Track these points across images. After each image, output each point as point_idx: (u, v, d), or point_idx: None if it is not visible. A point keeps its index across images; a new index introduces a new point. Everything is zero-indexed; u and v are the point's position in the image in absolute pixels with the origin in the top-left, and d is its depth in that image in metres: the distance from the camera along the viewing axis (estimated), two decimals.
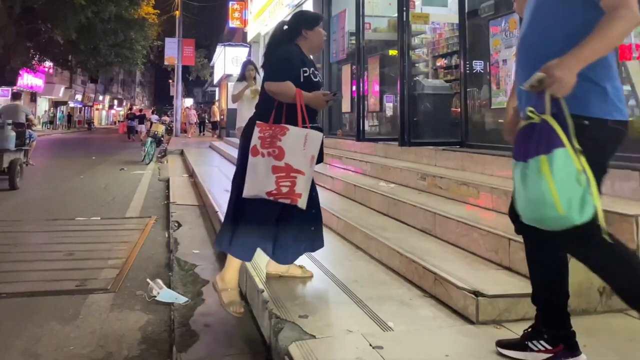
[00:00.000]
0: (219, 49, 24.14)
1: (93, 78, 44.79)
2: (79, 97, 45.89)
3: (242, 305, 2.89)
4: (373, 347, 2.24)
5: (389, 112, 8.49)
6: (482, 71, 6.01)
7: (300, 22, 3.08)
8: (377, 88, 8.60)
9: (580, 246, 1.92)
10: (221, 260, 4.29)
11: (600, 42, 1.77)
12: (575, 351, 2.07)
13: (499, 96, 5.39)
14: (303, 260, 3.45)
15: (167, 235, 5.36)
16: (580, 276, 2.67)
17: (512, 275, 2.91)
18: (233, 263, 2.94)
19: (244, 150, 2.89)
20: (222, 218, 5.04)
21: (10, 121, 8.73)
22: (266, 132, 2.78)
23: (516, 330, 2.44)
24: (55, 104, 41.83)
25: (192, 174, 9.99)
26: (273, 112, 2.85)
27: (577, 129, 1.77)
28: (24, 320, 3.14)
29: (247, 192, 2.79)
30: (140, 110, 31.34)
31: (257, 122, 2.85)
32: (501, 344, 2.22)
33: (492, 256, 3.15)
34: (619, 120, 1.88)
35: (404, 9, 6.83)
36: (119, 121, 53.65)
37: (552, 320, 2.11)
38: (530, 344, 2.11)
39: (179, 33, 28.20)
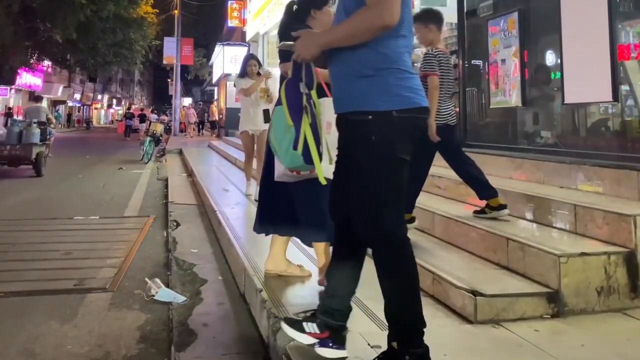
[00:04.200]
0: (218, 48, 24.11)
1: (92, 77, 44.65)
2: (77, 96, 45.79)
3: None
4: (371, 347, 2.24)
5: None
6: (480, 71, 6.01)
7: (308, 2, 3.03)
8: None
9: (380, 249, 1.98)
10: (220, 260, 4.29)
11: (341, 31, 1.91)
12: (340, 344, 2.10)
13: (498, 96, 5.39)
14: (302, 259, 3.46)
15: (165, 235, 5.35)
16: (578, 276, 2.68)
17: (510, 274, 2.91)
18: (322, 248, 2.95)
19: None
20: (220, 217, 5.05)
21: (35, 120, 10.86)
22: None
23: (515, 330, 2.45)
24: (54, 103, 41.77)
25: (190, 174, 9.98)
26: None
27: (363, 125, 1.89)
28: (22, 319, 3.14)
29: (277, 175, 2.84)
30: (142, 110, 31.30)
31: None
32: (287, 319, 2.23)
33: (490, 256, 3.15)
34: (405, 108, 1.91)
35: None
36: (117, 120, 53.63)
37: (322, 305, 2.14)
38: (304, 325, 2.12)
39: (177, 32, 28.18)
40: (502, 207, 3.52)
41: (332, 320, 2.10)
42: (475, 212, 3.63)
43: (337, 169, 2.06)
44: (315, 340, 2.09)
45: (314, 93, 2.13)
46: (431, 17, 3.76)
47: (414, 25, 3.56)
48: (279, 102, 2.06)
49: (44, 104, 13.14)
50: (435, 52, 3.66)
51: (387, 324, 2.00)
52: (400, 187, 1.96)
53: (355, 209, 1.97)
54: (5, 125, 11.07)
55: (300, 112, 1.99)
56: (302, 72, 2.07)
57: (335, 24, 2.11)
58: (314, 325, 2.10)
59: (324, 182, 1.98)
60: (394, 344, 1.96)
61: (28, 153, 10.03)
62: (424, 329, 1.96)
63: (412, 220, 3.66)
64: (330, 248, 2.93)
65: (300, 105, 2.00)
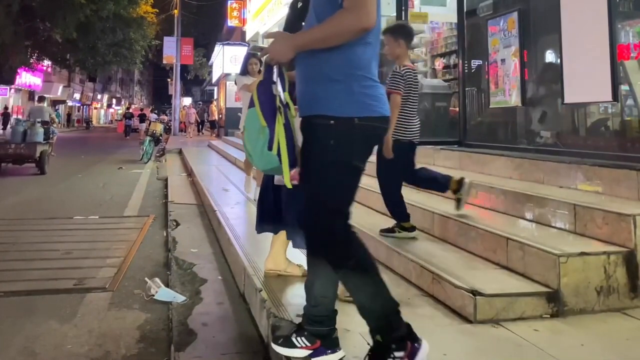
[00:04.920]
0: (218, 48, 24.12)
1: (91, 77, 44.65)
2: (77, 95, 45.78)
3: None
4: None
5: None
6: (480, 70, 6.02)
7: None
8: None
9: (324, 248, 2.04)
10: (219, 259, 4.29)
11: (319, 33, 1.92)
12: (334, 346, 2.12)
13: (498, 95, 5.39)
14: (302, 259, 3.45)
15: (165, 234, 5.35)
16: (578, 276, 2.68)
17: (510, 274, 2.92)
18: None
19: None
20: (220, 217, 5.05)
21: (39, 119, 11.20)
22: None
23: (514, 329, 2.45)
24: (54, 103, 41.75)
25: (190, 173, 9.98)
26: None
27: (325, 129, 1.93)
28: (22, 319, 3.14)
29: (277, 179, 2.92)
30: (141, 110, 31.29)
31: None
32: (276, 338, 2.23)
33: (490, 255, 3.15)
34: (367, 117, 1.95)
35: (403, 8, 6.83)
36: (116, 120, 53.61)
37: (308, 316, 2.16)
38: (294, 340, 2.14)
39: (177, 32, 28.18)
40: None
41: (322, 327, 2.13)
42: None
43: (300, 173, 2.09)
44: (309, 352, 2.11)
45: (287, 95, 2.12)
46: (402, 33, 3.77)
47: (384, 37, 3.61)
48: (251, 104, 2.02)
49: (44, 103, 13.47)
50: (403, 70, 3.68)
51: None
52: (350, 193, 2.03)
53: (305, 208, 2.05)
54: (4, 125, 11.52)
55: (274, 113, 1.97)
56: (273, 74, 2.05)
57: (306, 27, 2.11)
58: (303, 338, 2.13)
59: (289, 185, 1.97)
60: (378, 337, 2.00)
61: (32, 152, 10.38)
62: (399, 308, 2.02)
63: (413, 228, 3.68)
64: None
65: (273, 107, 1.98)
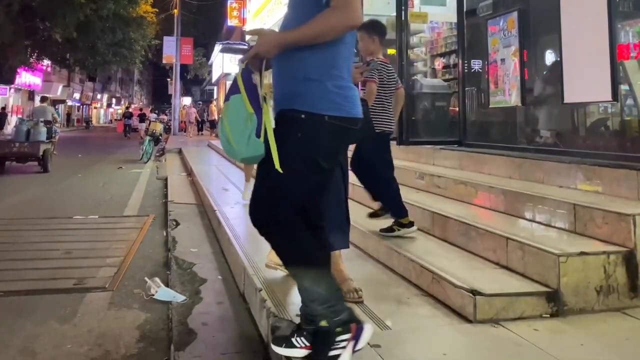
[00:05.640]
0: (217, 48, 24.12)
1: (91, 76, 44.65)
2: (77, 95, 45.75)
3: (357, 290, 2.83)
4: (371, 346, 2.24)
5: None
6: (480, 70, 6.02)
7: None
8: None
9: (268, 234, 2.10)
10: (219, 259, 4.29)
11: (307, 30, 1.96)
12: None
13: (497, 95, 5.39)
14: None
15: (165, 234, 5.35)
16: (577, 276, 2.68)
17: (509, 274, 2.92)
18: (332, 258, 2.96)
19: None
20: (220, 217, 5.05)
21: (42, 119, 11.69)
22: None
23: (514, 329, 2.45)
24: (53, 103, 41.71)
25: (190, 173, 9.98)
26: None
27: (295, 122, 1.99)
28: (21, 318, 3.14)
29: None
30: (141, 109, 31.28)
31: None
32: (276, 339, 2.24)
33: (489, 255, 3.15)
34: (337, 116, 2.00)
35: (403, 7, 6.83)
36: (116, 120, 53.59)
37: (305, 315, 2.17)
38: (294, 341, 2.16)
39: (177, 32, 28.17)
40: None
41: (315, 326, 2.12)
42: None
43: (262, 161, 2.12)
44: (309, 352, 2.12)
45: (266, 86, 2.16)
46: (376, 29, 3.83)
47: (358, 34, 3.65)
48: (234, 92, 2.02)
49: (47, 103, 13.78)
50: (377, 62, 3.73)
51: (356, 318, 2.10)
52: (306, 188, 2.08)
53: (257, 191, 2.09)
54: (1, 125, 12.02)
55: (259, 101, 2.00)
56: (257, 66, 2.07)
57: (283, 27, 2.14)
58: (302, 338, 2.13)
59: (279, 169, 1.97)
60: (323, 323, 2.03)
61: (36, 150, 10.71)
62: (339, 293, 2.10)
63: (412, 224, 3.68)
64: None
65: (257, 95, 2.01)
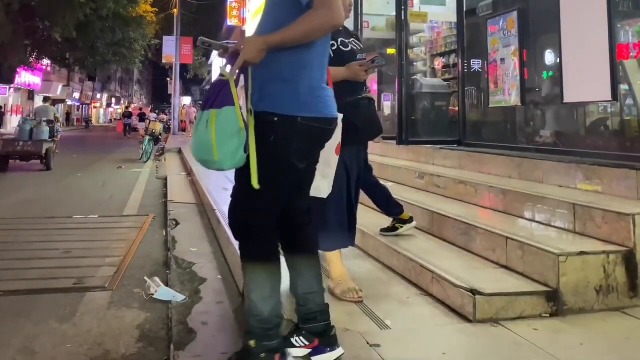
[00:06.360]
0: None
1: (91, 76, 44.65)
2: (76, 95, 45.74)
3: (357, 290, 2.84)
4: (371, 346, 2.24)
5: (387, 111, 8.49)
6: (480, 70, 6.01)
7: None
8: (375, 87, 8.59)
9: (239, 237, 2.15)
10: (219, 258, 4.29)
11: (292, 31, 1.98)
12: (333, 344, 2.15)
13: (497, 95, 5.39)
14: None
15: (164, 234, 5.35)
16: (577, 275, 2.68)
17: (509, 273, 2.92)
18: (330, 257, 2.96)
19: None
20: (220, 216, 5.04)
21: (44, 119, 12.07)
22: None
23: (513, 329, 2.45)
24: (53, 102, 41.67)
25: (190, 173, 9.98)
26: None
27: (268, 124, 2.00)
28: (21, 318, 3.14)
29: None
30: (141, 109, 31.28)
31: None
32: None
33: (489, 255, 3.15)
34: (311, 117, 2.04)
35: (403, 7, 6.83)
36: (115, 119, 53.56)
37: (301, 316, 2.20)
38: (293, 340, 2.18)
39: (177, 31, 28.13)
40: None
41: (316, 323, 2.16)
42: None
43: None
44: (309, 351, 2.14)
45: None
46: None
47: None
48: (227, 102, 1.95)
49: (49, 103, 14.31)
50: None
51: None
52: (278, 191, 2.09)
53: (235, 196, 2.13)
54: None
55: (244, 114, 2.00)
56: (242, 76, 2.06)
57: (261, 31, 2.14)
58: (301, 338, 2.16)
59: (256, 186, 1.98)
60: (251, 343, 2.06)
61: (39, 149, 11.10)
62: (280, 322, 2.12)
63: (411, 219, 3.66)
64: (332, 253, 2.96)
65: (245, 109, 2.02)
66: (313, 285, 2.19)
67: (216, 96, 1.98)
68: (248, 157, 1.99)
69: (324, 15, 1.97)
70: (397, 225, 3.66)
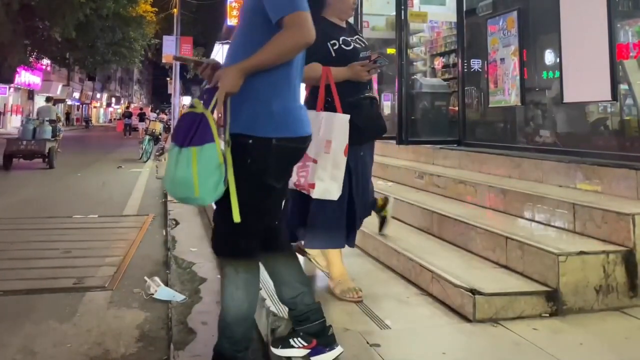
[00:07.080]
0: (217, 47, 24.11)
1: (91, 76, 44.65)
2: (76, 94, 45.71)
3: (357, 290, 2.83)
4: (370, 345, 2.25)
5: (386, 111, 8.48)
6: (479, 70, 6.01)
7: None
8: (375, 86, 8.59)
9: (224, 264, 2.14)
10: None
11: (265, 54, 1.97)
12: (331, 343, 2.16)
13: (497, 95, 5.39)
14: (300, 258, 3.45)
15: (164, 233, 5.36)
16: (577, 275, 2.68)
17: (509, 273, 2.92)
18: (330, 256, 2.95)
19: None
20: None
21: (47, 118, 12.44)
22: None
23: (513, 329, 2.45)
24: (53, 102, 41.65)
25: None
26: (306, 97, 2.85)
27: (242, 147, 1.99)
28: (21, 318, 3.14)
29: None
30: (141, 109, 31.28)
31: None
32: (274, 341, 2.29)
33: (489, 254, 3.15)
34: (286, 137, 2.03)
35: (402, 7, 6.82)
36: (115, 119, 53.53)
37: (294, 318, 2.21)
38: (292, 341, 2.19)
39: (176, 31, 28.07)
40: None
41: (310, 323, 2.16)
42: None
43: None
44: (307, 351, 2.15)
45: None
46: None
47: None
48: (208, 138, 1.92)
49: (51, 103, 14.67)
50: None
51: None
52: (260, 213, 2.09)
53: (218, 226, 2.12)
54: None
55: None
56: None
57: (233, 53, 2.14)
58: (299, 339, 2.17)
59: (237, 219, 1.96)
60: None
61: (42, 148, 11.47)
62: (249, 344, 2.14)
63: (386, 199, 3.51)
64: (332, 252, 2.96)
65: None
66: (297, 287, 2.19)
67: (194, 131, 1.93)
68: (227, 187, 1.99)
69: (294, 34, 1.96)
70: (382, 214, 3.53)
